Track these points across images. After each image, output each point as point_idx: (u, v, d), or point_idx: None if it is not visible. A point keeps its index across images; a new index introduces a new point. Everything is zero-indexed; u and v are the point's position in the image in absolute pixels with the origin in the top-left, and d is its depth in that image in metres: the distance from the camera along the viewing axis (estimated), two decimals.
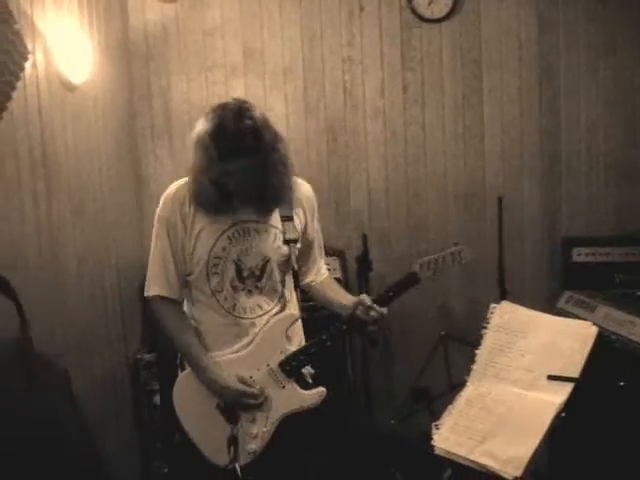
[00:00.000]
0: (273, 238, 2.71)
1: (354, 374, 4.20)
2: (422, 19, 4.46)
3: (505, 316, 2.63)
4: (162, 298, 2.73)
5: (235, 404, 2.64)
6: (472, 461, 2.29)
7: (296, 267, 2.71)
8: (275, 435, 2.68)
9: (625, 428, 3.32)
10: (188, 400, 2.74)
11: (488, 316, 2.65)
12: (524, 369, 2.47)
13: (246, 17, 4.48)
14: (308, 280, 2.96)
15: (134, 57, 4.47)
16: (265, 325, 2.71)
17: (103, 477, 3.48)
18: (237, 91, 4.47)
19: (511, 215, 4.46)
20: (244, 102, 2.57)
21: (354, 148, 4.59)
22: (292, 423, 2.68)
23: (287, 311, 2.76)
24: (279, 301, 2.77)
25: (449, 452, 2.35)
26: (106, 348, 3.70)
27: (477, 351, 2.60)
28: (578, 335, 2.50)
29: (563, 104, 4.50)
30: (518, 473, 2.19)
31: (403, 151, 4.58)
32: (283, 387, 2.69)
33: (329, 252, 4.14)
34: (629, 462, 3.29)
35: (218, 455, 2.61)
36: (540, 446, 2.25)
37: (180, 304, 2.78)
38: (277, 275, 2.74)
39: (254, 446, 2.65)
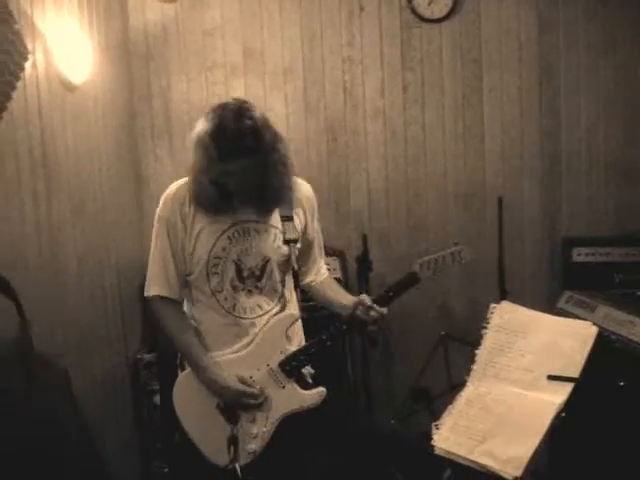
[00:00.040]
0: (273, 238, 2.71)
1: (354, 374, 4.20)
2: (422, 19, 4.46)
3: (505, 316, 2.63)
4: (162, 298, 2.73)
5: (235, 404, 2.64)
6: (472, 461, 2.29)
7: (296, 267, 2.71)
8: (275, 435, 2.68)
9: (625, 428, 3.32)
10: (188, 400, 2.74)
11: (488, 316, 2.65)
12: (524, 369, 2.47)
13: (246, 17, 4.48)
14: (308, 280, 2.95)
15: (134, 57, 4.47)
16: (265, 325, 2.71)
17: (103, 477, 3.48)
18: (237, 91, 4.47)
19: (511, 215, 4.46)
20: (244, 102, 2.56)
21: (354, 148, 4.59)
22: (292, 423, 2.68)
23: (287, 311, 2.76)
24: (279, 301, 2.77)
25: (449, 452, 2.35)
26: (106, 348, 3.70)
27: (477, 351, 2.60)
28: (578, 335, 2.50)
29: (563, 104, 4.50)
30: (518, 473, 2.19)
31: (403, 151, 4.58)
32: (283, 387, 2.69)
33: (329, 252, 4.14)
34: (629, 462, 3.29)
35: (218, 455, 2.61)
36: (540, 446, 2.25)
37: (180, 304, 2.78)
38: (277, 275, 2.74)
39: (254, 446, 2.65)
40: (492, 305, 2.68)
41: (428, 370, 4.21)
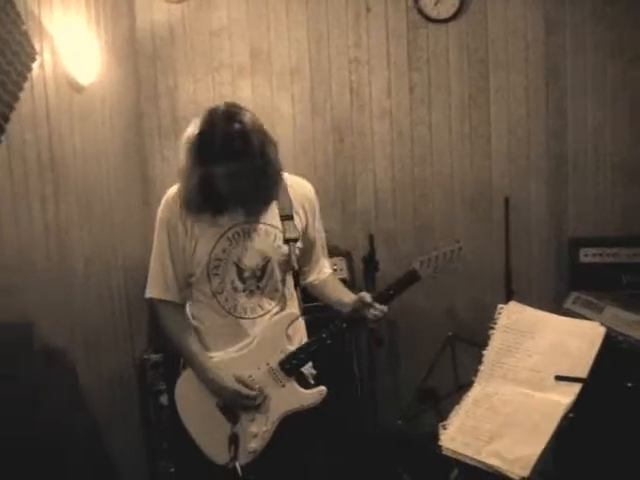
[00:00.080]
0: (273, 238, 2.71)
1: (360, 374, 4.19)
2: (429, 19, 4.46)
3: (512, 316, 2.64)
4: (161, 299, 2.75)
5: (233, 404, 2.65)
6: (479, 461, 2.29)
7: (296, 266, 2.70)
8: (276, 434, 2.68)
9: (632, 429, 3.31)
10: (189, 400, 2.75)
11: (495, 316, 2.65)
12: (531, 369, 2.47)
13: (253, 18, 4.49)
14: (310, 279, 2.95)
15: (141, 57, 4.48)
16: (265, 324, 2.72)
17: (110, 476, 3.49)
18: (244, 92, 4.48)
19: (518, 215, 4.46)
20: (234, 106, 2.56)
21: (361, 148, 4.59)
22: (293, 422, 2.68)
23: (287, 310, 2.77)
24: (280, 300, 2.78)
25: (456, 452, 2.35)
26: (113, 348, 3.71)
27: (484, 351, 2.60)
28: (586, 336, 2.50)
29: (570, 104, 4.49)
30: (525, 473, 2.19)
31: (410, 151, 4.58)
32: (283, 386, 2.68)
33: (335, 252, 4.15)
34: (635, 463, 3.28)
35: (219, 454, 2.62)
36: (547, 447, 2.25)
37: (180, 305, 2.78)
38: (278, 275, 2.75)
39: (255, 445, 2.65)
40: (499, 305, 2.68)
41: (435, 370, 4.19)
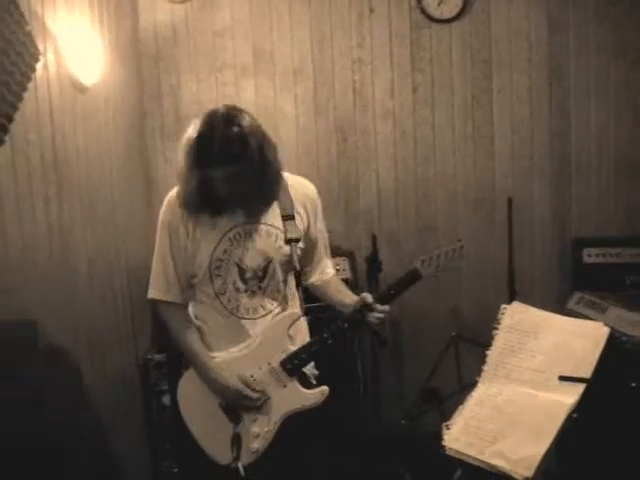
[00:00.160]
0: (274, 238, 2.71)
1: (364, 374, 4.20)
2: (432, 19, 4.46)
3: (516, 317, 2.63)
4: (163, 300, 2.76)
5: (235, 404, 2.66)
6: (483, 462, 2.28)
7: (298, 266, 2.69)
8: (278, 434, 2.68)
9: (636, 429, 3.31)
10: (192, 399, 2.75)
11: (499, 317, 2.65)
12: (535, 370, 2.47)
13: (256, 18, 4.49)
14: (313, 280, 2.94)
15: (144, 58, 4.48)
16: (267, 324, 2.72)
17: (113, 476, 3.49)
18: (247, 92, 4.49)
19: (521, 216, 4.46)
20: (233, 108, 2.56)
21: (364, 149, 4.59)
22: (295, 422, 2.68)
23: (289, 310, 2.77)
24: (282, 301, 2.78)
25: (460, 452, 2.35)
26: (116, 348, 3.70)
27: (488, 352, 2.59)
28: (590, 336, 2.49)
29: (573, 105, 4.49)
30: (529, 474, 2.19)
31: (413, 151, 4.58)
32: (284, 386, 2.68)
33: (338, 253, 4.14)
34: (639, 463, 3.28)
35: (221, 454, 2.62)
36: (551, 447, 2.24)
37: (182, 305, 2.79)
38: (280, 275, 2.75)
39: (257, 445, 2.66)
40: (503, 306, 2.67)
41: (439, 370, 4.21)
